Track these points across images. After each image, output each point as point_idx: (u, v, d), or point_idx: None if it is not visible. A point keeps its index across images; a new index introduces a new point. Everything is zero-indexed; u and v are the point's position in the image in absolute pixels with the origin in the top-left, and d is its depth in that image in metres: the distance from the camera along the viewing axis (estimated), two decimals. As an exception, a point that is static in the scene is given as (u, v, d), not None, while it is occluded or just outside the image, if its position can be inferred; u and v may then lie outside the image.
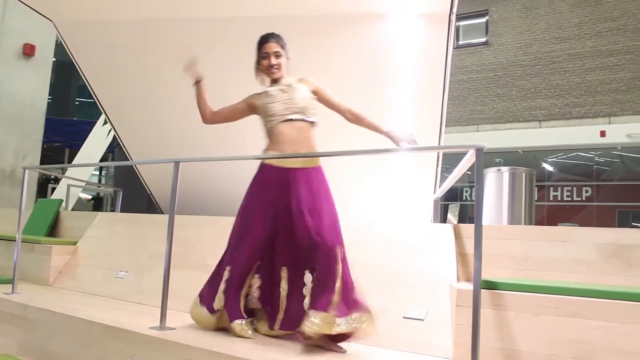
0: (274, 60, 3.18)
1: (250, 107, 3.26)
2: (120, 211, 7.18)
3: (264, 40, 3.22)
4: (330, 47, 5.27)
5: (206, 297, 3.21)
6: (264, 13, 5.11)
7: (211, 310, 3.15)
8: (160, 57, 5.70)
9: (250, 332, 3.04)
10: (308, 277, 2.94)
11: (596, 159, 14.30)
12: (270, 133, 3.15)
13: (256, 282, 3.13)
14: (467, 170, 3.28)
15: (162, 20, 5.29)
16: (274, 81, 3.23)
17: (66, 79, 18.63)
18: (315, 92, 3.22)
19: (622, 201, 13.63)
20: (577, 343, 2.42)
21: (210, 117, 3.34)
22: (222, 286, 3.12)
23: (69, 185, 9.40)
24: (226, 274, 3.12)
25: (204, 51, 5.50)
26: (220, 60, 5.53)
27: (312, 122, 3.16)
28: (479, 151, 2.37)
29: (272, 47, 3.18)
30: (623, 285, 2.82)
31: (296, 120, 3.09)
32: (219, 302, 3.11)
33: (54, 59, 11.53)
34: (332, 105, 3.27)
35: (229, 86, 5.73)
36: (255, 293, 3.13)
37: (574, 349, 2.42)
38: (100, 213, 5.73)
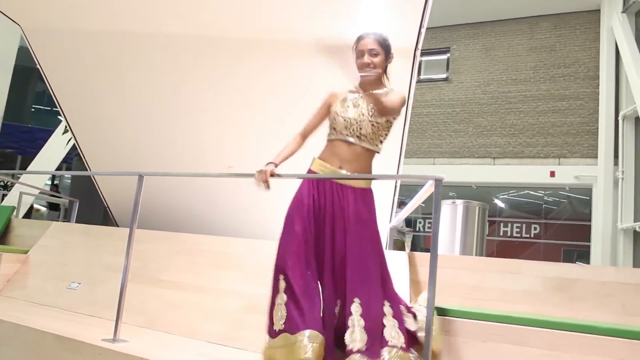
0: (367, 59, 2.78)
1: (328, 108, 2.91)
2: (76, 222, 7.04)
3: (360, 37, 2.86)
4: (293, 73, 5.32)
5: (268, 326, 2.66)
6: (232, 34, 5.20)
7: (272, 333, 2.60)
8: (130, 70, 5.71)
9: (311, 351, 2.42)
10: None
11: (545, 198, 14.81)
12: (328, 144, 2.88)
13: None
14: (422, 203, 3.39)
15: (133, 33, 5.31)
16: (366, 85, 2.86)
17: (24, 84, 18.22)
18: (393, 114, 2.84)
19: (568, 240, 14.14)
20: (521, 370, 2.54)
21: (303, 140, 2.98)
22: (279, 299, 2.62)
23: (21, 193, 9.15)
24: (282, 284, 2.63)
25: (175, 65, 5.60)
26: (193, 77, 5.61)
27: (372, 150, 2.85)
28: (438, 182, 2.49)
29: (368, 43, 2.80)
30: (566, 317, 2.97)
31: (354, 144, 2.79)
32: (280, 318, 2.58)
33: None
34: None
35: (204, 101, 5.83)
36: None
37: (517, 376, 2.54)
38: (54, 222, 5.63)
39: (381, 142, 2.85)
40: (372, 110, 2.77)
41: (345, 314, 2.58)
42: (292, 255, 2.64)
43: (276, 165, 2.82)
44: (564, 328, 2.56)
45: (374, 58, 2.78)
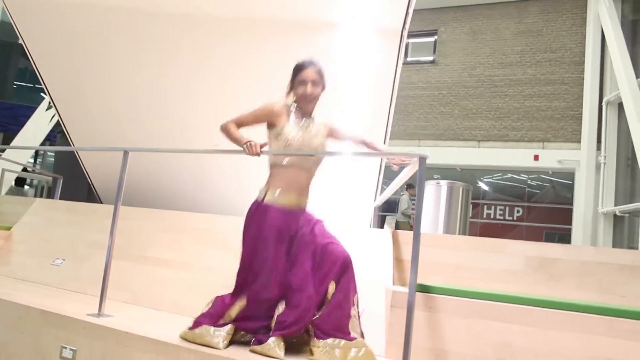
0: (309, 89, 2.91)
1: (268, 115, 2.94)
2: (59, 200, 7.00)
3: (302, 66, 2.96)
4: (278, 52, 5.27)
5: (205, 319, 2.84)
6: (220, 12, 5.17)
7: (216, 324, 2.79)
8: (116, 44, 5.64)
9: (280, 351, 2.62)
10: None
11: (529, 181, 14.96)
12: (277, 170, 2.92)
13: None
14: (405, 182, 3.42)
15: (119, 6, 5.24)
16: (302, 113, 2.99)
17: (5, 60, 17.93)
18: (330, 134, 3.08)
19: (550, 223, 14.33)
20: (501, 345, 2.60)
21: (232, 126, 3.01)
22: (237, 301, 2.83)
23: (3, 170, 9.04)
24: (243, 302, 2.81)
25: (162, 40, 5.55)
26: (180, 53, 5.56)
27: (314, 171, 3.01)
28: (422, 159, 2.51)
29: (311, 75, 2.92)
30: (546, 295, 3.04)
31: (309, 171, 2.95)
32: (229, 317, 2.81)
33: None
34: (346, 139, 3.15)
35: (190, 78, 5.79)
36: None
37: (497, 350, 2.60)
38: (38, 199, 5.59)
39: (322, 163, 3.02)
40: (321, 133, 2.99)
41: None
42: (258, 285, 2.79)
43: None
44: (544, 305, 2.63)
45: (316, 89, 2.94)
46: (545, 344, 2.53)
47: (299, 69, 2.96)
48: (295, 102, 3.00)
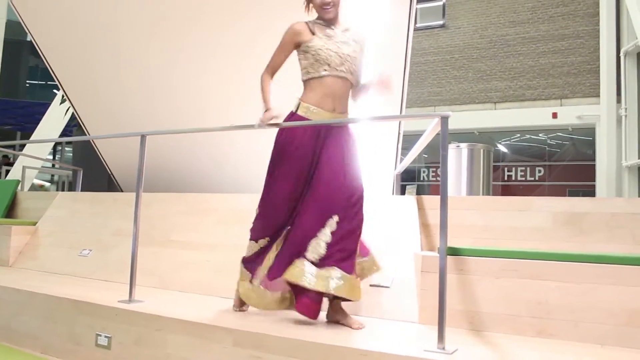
0: None
1: (295, 45, 2.88)
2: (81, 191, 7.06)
3: None
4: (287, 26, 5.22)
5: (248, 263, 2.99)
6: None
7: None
8: (124, 31, 5.60)
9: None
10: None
11: (548, 141, 14.76)
12: (316, 83, 2.83)
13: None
14: (424, 154, 3.36)
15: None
16: (327, 23, 2.88)
17: (16, 59, 18.02)
18: (362, 50, 2.97)
19: (573, 181, 14.15)
20: (535, 303, 2.56)
21: (272, 78, 2.97)
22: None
23: (24, 167, 9.14)
24: (263, 243, 2.91)
25: (172, 23, 5.50)
26: (191, 34, 5.51)
27: (355, 84, 2.94)
28: (444, 119, 2.45)
29: None
30: (577, 250, 2.98)
31: (346, 79, 2.85)
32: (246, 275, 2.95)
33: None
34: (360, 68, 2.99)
35: (202, 58, 5.74)
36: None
37: (532, 309, 2.56)
38: (60, 192, 5.63)
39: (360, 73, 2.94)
40: (357, 44, 2.90)
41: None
42: (273, 227, 2.86)
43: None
44: (576, 260, 2.57)
45: None
46: (581, 299, 2.49)
47: None
48: (316, 15, 2.91)
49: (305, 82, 2.88)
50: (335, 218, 2.67)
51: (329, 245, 2.63)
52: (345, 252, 2.65)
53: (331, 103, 2.81)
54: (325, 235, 2.65)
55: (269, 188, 2.88)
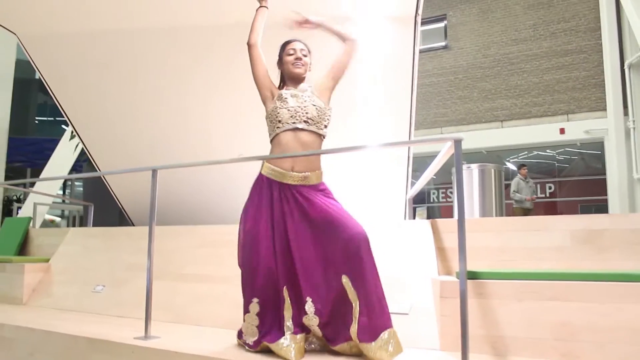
0: (299, 54, 2.96)
1: (268, 87, 2.98)
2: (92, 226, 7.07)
3: (289, 41, 3.02)
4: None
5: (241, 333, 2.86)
6: (234, 20, 5.13)
7: (250, 345, 2.77)
8: (132, 67, 5.66)
9: (294, 350, 2.58)
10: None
11: (556, 156, 14.69)
12: (274, 143, 2.88)
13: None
14: (434, 175, 3.33)
15: (132, 29, 5.25)
16: (293, 80, 2.99)
17: (25, 97, 18.24)
18: (327, 83, 2.99)
19: (584, 196, 14.04)
20: (559, 325, 2.51)
21: (252, 44, 3.03)
22: (250, 319, 2.76)
23: (35, 204, 9.18)
24: (255, 308, 2.74)
25: (179, 58, 5.55)
26: (198, 69, 5.55)
27: (320, 135, 2.90)
28: (458, 142, 2.44)
29: (298, 45, 2.99)
30: (598, 269, 2.93)
31: (302, 130, 2.82)
32: (251, 334, 2.76)
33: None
34: (342, 62, 3.02)
35: (209, 92, 5.78)
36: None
37: (556, 331, 2.50)
38: (71, 228, 5.64)
39: (325, 126, 2.92)
40: (312, 95, 2.92)
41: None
42: (261, 278, 2.71)
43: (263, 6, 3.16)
44: (599, 279, 2.52)
45: (305, 57, 2.99)
46: (606, 319, 2.43)
47: (285, 44, 3.04)
48: (283, 77, 3.06)
49: (271, 141, 2.95)
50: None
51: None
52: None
53: (289, 162, 2.81)
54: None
55: None
